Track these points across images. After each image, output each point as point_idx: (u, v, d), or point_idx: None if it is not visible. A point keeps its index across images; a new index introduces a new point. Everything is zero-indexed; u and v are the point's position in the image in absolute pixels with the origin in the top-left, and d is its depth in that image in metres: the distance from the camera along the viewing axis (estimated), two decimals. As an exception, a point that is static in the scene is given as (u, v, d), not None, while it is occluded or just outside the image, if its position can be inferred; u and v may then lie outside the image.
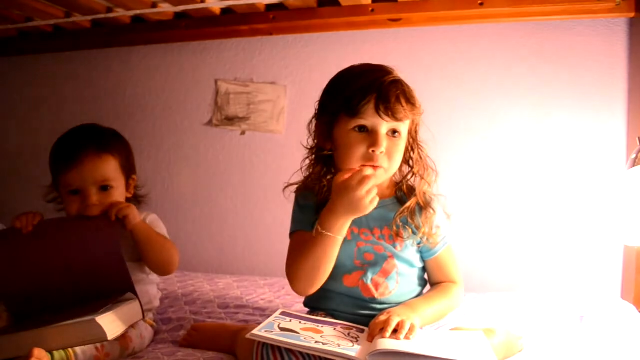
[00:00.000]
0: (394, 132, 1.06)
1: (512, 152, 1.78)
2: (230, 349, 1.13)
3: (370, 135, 1.04)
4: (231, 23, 1.95)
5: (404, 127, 1.07)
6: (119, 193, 1.26)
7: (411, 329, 0.94)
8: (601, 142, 1.70)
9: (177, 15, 2.00)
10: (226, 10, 1.95)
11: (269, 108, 2.03)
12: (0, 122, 2.36)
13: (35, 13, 1.96)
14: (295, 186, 1.17)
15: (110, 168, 1.24)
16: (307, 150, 1.15)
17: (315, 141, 1.14)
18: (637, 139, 1.42)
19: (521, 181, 1.77)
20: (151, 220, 1.32)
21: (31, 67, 2.31)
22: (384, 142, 1.04)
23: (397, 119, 1.04)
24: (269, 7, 1.90)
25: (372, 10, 1.79)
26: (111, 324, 1.03)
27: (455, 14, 1.75)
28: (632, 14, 1.62)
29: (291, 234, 1.14)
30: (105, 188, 1.23)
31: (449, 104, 1.82)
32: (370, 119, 1.03)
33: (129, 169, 1.32)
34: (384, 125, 1.04)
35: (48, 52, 2.26)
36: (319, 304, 1.15)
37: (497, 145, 1.80)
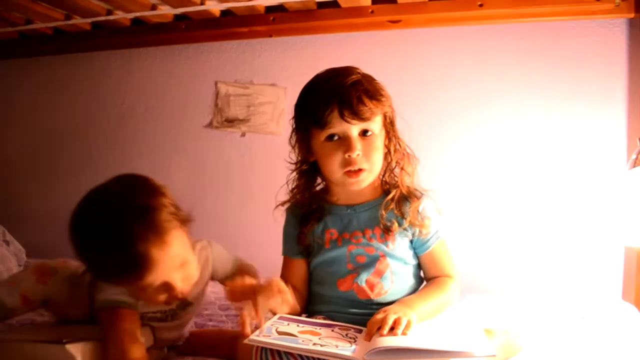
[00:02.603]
0: (365, 131, 1.07)
1: (512, 153, 1.78)
2: (230, 355, 1.12)
3: (343, 142, 1.05)
4: (231, 25, 1.96)
5: (374, 125, 1.07)
6: (190, 268, 1.04)
7: (408, 325, 0.93)
8: (601, 142, 1.70)
9: (177, 17, 2.01)
10: (226, 12, 1.95)
11: (268, 110, 2.03)
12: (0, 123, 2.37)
13: (36, 15, 1.97)
14: (287, 203, 1.21)
15: (179, 254, 0.98)
16: (293, 165, 1.17)
17: (299, 155, 1.16)
18: (638, 140, 1.42)
19: (522, 182, 1.77)
20: (218, 256, 1.20)
21: (31, 70, 2.32)
22: (357, 145, 1.05)
23: (363, 120, 1.04)
24: (268, 9, 1.91)
25: (372, 12, 1.79)
26: (91, 352, 0.95)
27: (455, 15, 1.75)
28: (632, 15, 1.62)
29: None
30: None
31: (449, 105, 1.82)
32: (338, 126, 1.04)
33: (186, 225, 1.04)
34: (353, 129, 1.05)
35: (48, 55, 2.27)
36: (317, 308, 1.15)
37: (497, 146, 1.79)
